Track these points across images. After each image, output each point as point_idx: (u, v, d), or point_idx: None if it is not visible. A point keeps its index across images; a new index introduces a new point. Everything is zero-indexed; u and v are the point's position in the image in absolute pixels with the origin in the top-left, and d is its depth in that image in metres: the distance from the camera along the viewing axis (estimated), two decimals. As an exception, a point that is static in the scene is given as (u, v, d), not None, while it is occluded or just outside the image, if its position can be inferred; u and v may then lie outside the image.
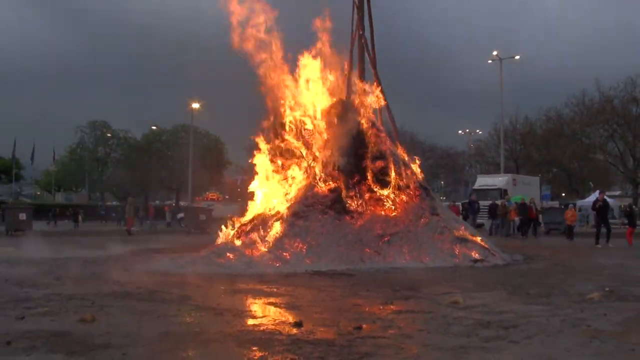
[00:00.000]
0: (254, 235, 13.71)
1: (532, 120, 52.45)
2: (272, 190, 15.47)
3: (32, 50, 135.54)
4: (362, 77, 16.72)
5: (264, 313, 7.00)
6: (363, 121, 14.90)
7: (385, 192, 14.39)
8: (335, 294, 8.58)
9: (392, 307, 7.45)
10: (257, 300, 8.02)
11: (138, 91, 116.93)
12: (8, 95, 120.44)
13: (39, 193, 60.86)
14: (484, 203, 28.70)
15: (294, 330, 5.93)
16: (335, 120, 15.01)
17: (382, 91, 16.52)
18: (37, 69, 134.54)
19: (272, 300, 8.01)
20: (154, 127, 61.64)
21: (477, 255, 13.23)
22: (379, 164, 14.53)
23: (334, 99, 15.45)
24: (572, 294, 8.53)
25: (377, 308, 7.42)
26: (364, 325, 6.11)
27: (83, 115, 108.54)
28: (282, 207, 14.49)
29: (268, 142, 15.77)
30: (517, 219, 24.31)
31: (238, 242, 13.70)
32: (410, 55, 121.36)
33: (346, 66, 16.42)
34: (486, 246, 13.91)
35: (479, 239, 14.28)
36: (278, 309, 7.33)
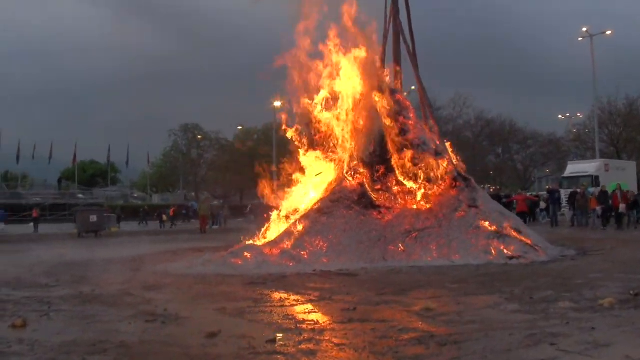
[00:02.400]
0: (279, 234, 13.26)
1: (633, 100, 47.30)
2: (307, 185, 14.90)
3: (125, 56, 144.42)
4: (398, 65, 15.63)
5: (198, 321, 6.42)
6: (388, 110, 13.84)
7: (415, 184, 13.29)
8: (308, 298, 7.84)
9: (350, 314, 6.59)
10: (214, 306, 7.44)
11: (229, 92, 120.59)
12: (102, 101, 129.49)
13: (135, 195, 64.70)
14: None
15: (199, 342, 5.32)
16: (364, 110, 14.09)
17: (419, 78, 15.36)
18: (129, 75, 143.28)
19: (231, 305, 7.41)
20: (239, 127, 63.02)
21: (513, 251, 11.80)
22: (407, 154, 13.42)
23: (364, 88, 14.50)
24: (585, 299, 7.15)
25: (331, 315, 6.60)
26: (280, 337, 5.38)
27: (174, 119, 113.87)
28: (311, 203, 13.89)
29: (304, 135, 15.19)
30: (598, 208, 21.78)
31: (261, 242, 13.28)
32: (502, 37, 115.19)
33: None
34: (528, 241, 12.39)
35: (521, 233, 12.76)
36: (222, 316, 6.73)
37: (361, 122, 13.54)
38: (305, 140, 15.06)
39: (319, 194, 14.15)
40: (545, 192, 30.34)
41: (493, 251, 11.93)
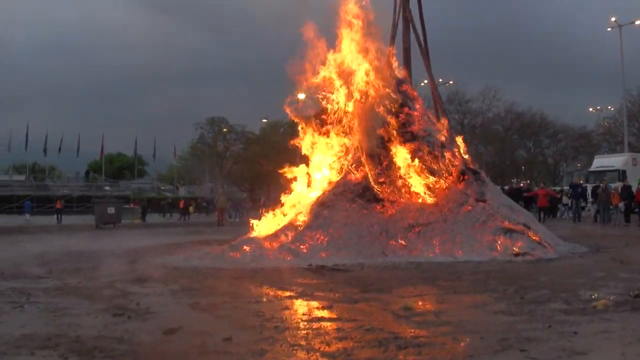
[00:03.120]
0: (281, 227, 13.03)
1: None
2: (312, 177, 14.63)
3: (153, 52, 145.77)
4: (408, 54, 15.18)
5: (165, 316, 6.24)
6: (394, 101, 13.43)
7: (420, 178, 12.89)
8: (289, 294, 7.59)
9: (323, 312, 6.33)
10: (189, 300, 7.24)
11: (256, 85, 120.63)
12: (129, 95, 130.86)
13: (163, 187, 65.41)
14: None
15: (153, 339, 5.13)
16: (369, 101, 13.71)
17: (429, 70, 14.89)
18: (156, 70, 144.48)
19: (207, 299, 7.21)
20: (264, 120, 62.99)
21: (520, 247, 11.33)
22: (411, 146, 13.02)
23: (370, 79, 14.10)
24: (579, 300, 6.71)
25: (303, 313, 6.35)
26: (238, 335, 5.15)
27: (201, 112, 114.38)
28: (315, 196, 13.61)
29: (311, 127, 14.88)
30: (621, 204, 20.92)
31: (262, 235, 13.06)
32: (531, 29, 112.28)
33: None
34: (536, 237, 11.88)
35: (530, 229, 12.25)
36: (191, 311, 6.54)
37: (366, 114, 13.15)
38: (313, 131, 14.80)
39: (323, 186, 13.89)
40: (567, 187, 29.45)
41: (499, 247, 11.49)
